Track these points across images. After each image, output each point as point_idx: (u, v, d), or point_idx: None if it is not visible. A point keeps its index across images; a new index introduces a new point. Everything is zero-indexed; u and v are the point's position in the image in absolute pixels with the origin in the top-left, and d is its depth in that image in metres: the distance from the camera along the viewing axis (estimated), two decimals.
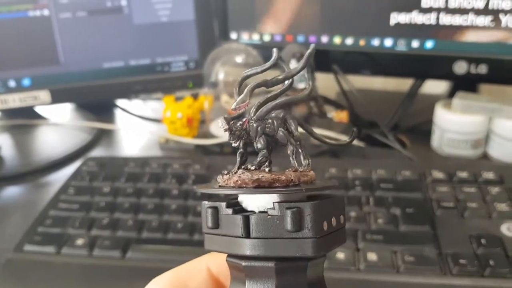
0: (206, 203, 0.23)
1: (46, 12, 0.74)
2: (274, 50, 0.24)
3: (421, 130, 0.75)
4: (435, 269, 0.45)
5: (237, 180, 0.23)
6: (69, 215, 0.55)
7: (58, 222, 0.54)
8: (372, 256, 0.46)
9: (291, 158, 0.25)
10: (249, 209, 0.23)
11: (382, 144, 0.70)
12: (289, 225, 0.22)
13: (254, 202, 0.23)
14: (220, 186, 0.24)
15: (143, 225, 0.52)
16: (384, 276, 0.45)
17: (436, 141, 0.70)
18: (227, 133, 0.23)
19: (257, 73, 0.24)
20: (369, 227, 0.50)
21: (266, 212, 0.22)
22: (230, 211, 0.23)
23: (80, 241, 0.51)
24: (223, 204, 0.23)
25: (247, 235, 0.22)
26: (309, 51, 0.24)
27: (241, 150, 0.24)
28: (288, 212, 0.22)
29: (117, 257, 0.49)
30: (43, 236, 0.52)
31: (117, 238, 0.51)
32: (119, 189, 0.59)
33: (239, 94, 0.24)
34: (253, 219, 0.22)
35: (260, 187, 0.22)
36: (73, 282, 0.48)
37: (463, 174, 0.57)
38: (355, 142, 0.71)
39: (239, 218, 0.22)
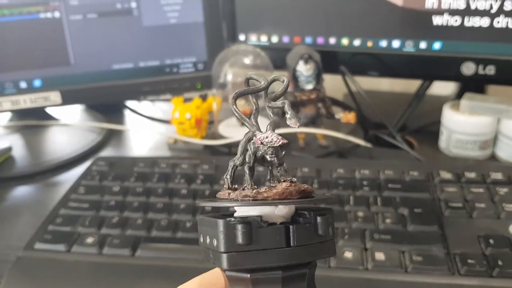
0: (232, 220, 0.23)
1: (57, 14, 0.75)
2: (263, 78, 0.25)
3: (429, 131, 0.75)
4: (443, 269, 0.45)
5: (282, 192, 0.24)
6: (79, 214, 0.56)
7: (68, 221, 0.54)
8: (380, 256, 0.46)
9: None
10: (269, 221, 0.24)
11: (390, 145, 0.71)
12: (321, 230, 0.24)
13: (275, 214, 0.24)
14: (246, 200, 0.24)
15: (153, 224, 0.53)
16: (392, 276, 0.45)
17: (444, 142, 0.70)
18: (276, 144, 0.24)
19: (253, 92, 0.25)
20: (377, 227, 0.50)
21: (293, 222, 0.24)
22: (265, 224, 0.23)
23: (90, 240, 0.51)
24: (257, 218, 0.23)
25: (288, 245, 0.23)
26: (285, 83, 0.25)
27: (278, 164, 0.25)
28: (320, 219, 0.24)
29: (127, 256, 0.49)
30: (54, 234, 0.52)
31: (126, 237, 0.51)
32: (128, 189, 0.59)
33: (237, 108, 0.25)
34: (292, 228, 0.23)
35: (303, 197, 0.24)
36: (83, 280, 0.48)
37: (471, 175, 0.57)
38: (363, 143, 0.71)
39: (281, 228, 0.23)
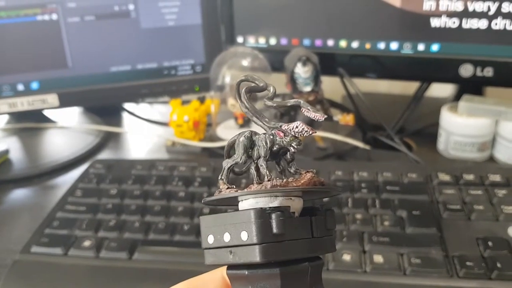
0: (267, 208, 0.22)
1: (54, 16, 0.74)
2: (260, 80, 0.25)
3: (427, 133, 0.75)
4: (441, 271, 0.45)
5: (309, 182, 0.24)
6: (76, 217, 0.55)
7: (65, 224, 0.54)
8: (378, 258, 0.46)
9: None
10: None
11: (388, 147, 0.70)
12: (329, 225, 0.24)
13: (294, 205, 0.24)
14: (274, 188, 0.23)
15: (150, 227, 0.53)
16: (390, 278, 0.45)
17: (442, 144, 0.70)
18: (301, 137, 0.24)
19: (260, 90, 0.25)
20: (376, 229, 0.50)
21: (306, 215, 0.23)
22: (294, 214, 0.23)
23: (87, 243, 0.51)
24: (287, 207, 0.23)
25: (312, 236, 0.23)
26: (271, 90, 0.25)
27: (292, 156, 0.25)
28: (329, 213, 0.24)
29: (124, 259, 0.49)
30: (50, 237, 0.52)
31: (124, 240, 0.51)
32: (126, 191, 0.59)
33: (250, 104, 0.25)
34: (314, 220, 0.23)
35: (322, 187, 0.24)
36: (80, 283, 0.48)
37: (470, 177, 0.57)
38: (362, 145, 0.71)
39: (307, 219, 0.23)
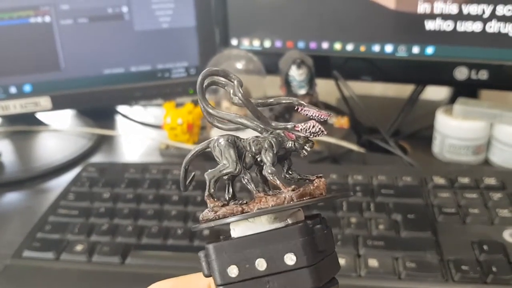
0: (309, 222, 0.19)
1: (47, 18, 0.74)
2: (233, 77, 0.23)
3: (422, 136, 0.75)
4: (436, 275, 0.44)
5: (326, 188, 0.21)
6: (69, 221, 0.55)
7: (57, 228, 0.54)
8: (373, 262, 0.46)
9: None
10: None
11: (383, 150, 0.70)
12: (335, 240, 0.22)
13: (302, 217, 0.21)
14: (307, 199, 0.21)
15: (143, 231, 0.52)
16: (385, 283, 0.44)
17: (437, 147, 0.70)
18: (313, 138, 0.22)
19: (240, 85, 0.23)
20: (370, 233, 0.50)
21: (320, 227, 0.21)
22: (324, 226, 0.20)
23: (79, 247, 0.50)
24: (320, 220, 0.20)
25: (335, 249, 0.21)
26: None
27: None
28: (326, 227, 0.22)
29: (117, 263, 0.49)
30: (42, 242, 0.52)
31: (116, 244, 0.51)
32: (119, 195, 0.58)
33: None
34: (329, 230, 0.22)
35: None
36: None
37: (465, 180, 0.57)
38: (356, 148, 0.71)
39: (330, 231, 0.21)
